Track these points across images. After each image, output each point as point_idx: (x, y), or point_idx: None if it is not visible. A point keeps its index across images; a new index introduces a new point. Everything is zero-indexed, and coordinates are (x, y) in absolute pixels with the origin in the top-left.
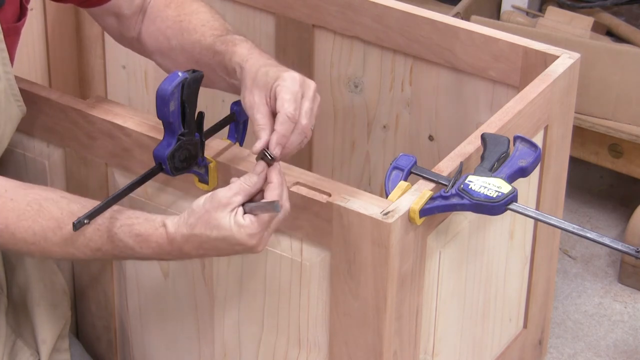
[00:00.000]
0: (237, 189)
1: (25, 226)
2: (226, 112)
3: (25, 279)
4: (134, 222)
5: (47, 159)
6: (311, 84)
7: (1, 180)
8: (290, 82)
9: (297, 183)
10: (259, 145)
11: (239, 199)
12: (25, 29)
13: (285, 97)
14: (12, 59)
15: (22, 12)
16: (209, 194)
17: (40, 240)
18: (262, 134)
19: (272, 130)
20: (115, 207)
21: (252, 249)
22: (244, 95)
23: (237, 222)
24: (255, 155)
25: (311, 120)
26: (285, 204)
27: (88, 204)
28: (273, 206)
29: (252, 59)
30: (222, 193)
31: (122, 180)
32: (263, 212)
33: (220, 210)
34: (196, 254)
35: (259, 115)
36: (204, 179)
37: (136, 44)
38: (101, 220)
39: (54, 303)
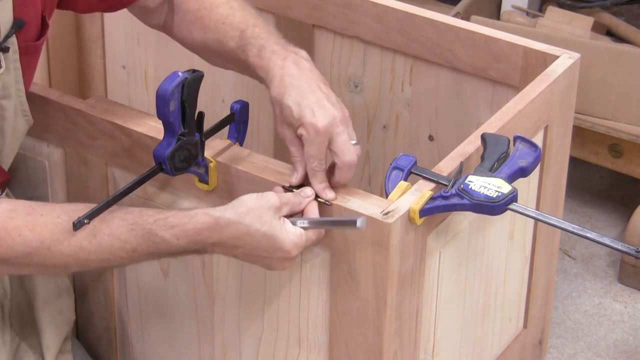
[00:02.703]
0: (287, 199)
1: (60, 238)
2: (226, 112)
3: (31, 283)
4: (167, 216)
5: (47, 159)
6: (336, 117)
7: (24, 201)
8: (312, 133)
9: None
10: (295, 180)
11: (287, 209)
12: None
13: (309, 152)
14: (31, 76)
15: (43, 30)
16: (258, 193)
17: (76, 250)
18: (297, 165)
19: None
20: (141, 208)
21: (285, 261)
22: (276, 125)
23: (286, 228)
24: (290, 186)
25: (350, 150)
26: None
27: (115, 209)
28: (355, 221)
29: (275, 77)
30: (274, 196)
31: (122, 180)
32: (333, 227)
33: (273, 211)
34: (230, 245)
35: (292, 148)
36: (204, 179)
37: (163, 30)
38: (133, 219)
39: (59, 308)
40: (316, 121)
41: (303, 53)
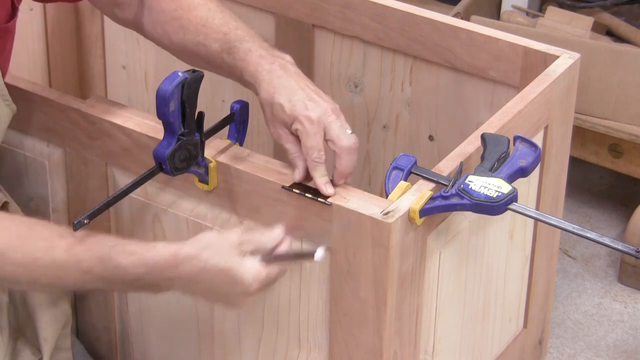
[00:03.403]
0: (249, 237)
1: (15, 246)
2: (226, 112)
3: None
4: (127, 243)
5: (47, 159)
6: (327, 108)
7: None
8: (307, 125)
9: (298, 183)
10: (298, 176)
11: (249, 247)
12: (25, 29)
13: (307, 144)
14: (6, 61)
15: (13, 12)
16: (220, 231)
17: (30, 261)
18: (297, 161)
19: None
20: (104, 234)
21: (246, 296)
22: (268, 126)
23: (245, 262)
24: (291, 186)
25: (347, 136)
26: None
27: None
28: (313, 254)
29: (263, 81)
30: (234, 233)
31: (122, 180)
32: (292, 261)
33: (233, 247)
34: (187, 280)
35: (289, 145)
36: (204, 179)
37: (132, 27)
38: (92, 241)
39: (54, 301)
40: (309, 113)
41: (288, 57)
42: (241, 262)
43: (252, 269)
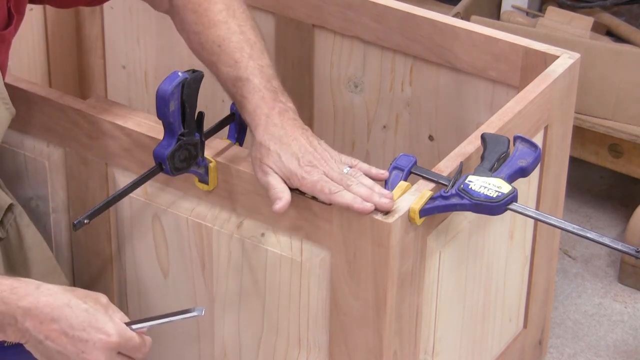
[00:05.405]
0: (121, 316)
1: None
2: (226, 112)
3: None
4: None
5: (47, 159)
6: (295, 173)
7: None
8: (302, 184)
9: None
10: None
11: (118, 315)
12: (25, 29)
13: (309, 187)
14: (4, 65)
15: (10, 20)
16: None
17: None
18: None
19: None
20: None
21: (104, 346)
22: (254, 166)
23: (112, 316)
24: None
25: (321, 191)
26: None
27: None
28: (192, 310)
29: (259, 125)
30: (104, 297)
31: (122, 180)
32: (166, 318)
33: (100, 304)
34: (44, 316)
35: (274, 184)
36: (204, 179)
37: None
38: None
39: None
40: (304, 176)
41: (291, 104)
42: (107, 312)
43: (118, 322)
